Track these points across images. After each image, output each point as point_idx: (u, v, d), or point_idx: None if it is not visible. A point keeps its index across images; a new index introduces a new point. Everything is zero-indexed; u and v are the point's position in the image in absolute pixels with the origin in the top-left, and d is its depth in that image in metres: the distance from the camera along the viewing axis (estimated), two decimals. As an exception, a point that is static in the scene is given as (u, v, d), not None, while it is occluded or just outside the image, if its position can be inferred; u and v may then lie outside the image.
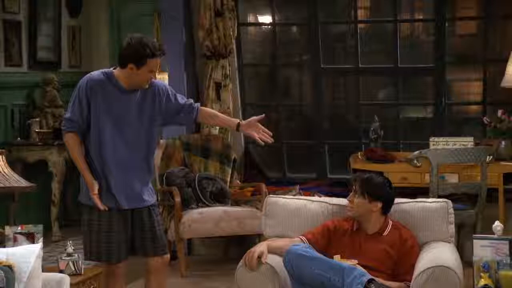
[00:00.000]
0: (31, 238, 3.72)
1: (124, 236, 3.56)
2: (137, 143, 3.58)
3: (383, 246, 3.48)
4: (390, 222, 3.57)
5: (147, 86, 3.56)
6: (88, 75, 3.58)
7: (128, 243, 3.59)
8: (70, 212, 6.71)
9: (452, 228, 3.62)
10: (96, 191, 3.50)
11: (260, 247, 3.45)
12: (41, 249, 3.22)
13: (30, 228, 3.75)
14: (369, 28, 6.56)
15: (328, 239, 3.56)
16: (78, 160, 3.57)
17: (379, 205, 3.52)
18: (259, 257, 3.40)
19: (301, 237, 3.57)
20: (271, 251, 3.46)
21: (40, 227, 3.77)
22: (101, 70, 3.60)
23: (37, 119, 6.14)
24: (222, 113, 5.99)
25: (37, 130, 6.06)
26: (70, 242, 3.91)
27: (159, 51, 3.51)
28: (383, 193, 3.54)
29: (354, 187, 3.58)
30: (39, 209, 6.12)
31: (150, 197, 3.64)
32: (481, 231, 4.54)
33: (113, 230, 3.53)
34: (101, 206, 3.50)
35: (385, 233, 3.53)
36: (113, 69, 3.59)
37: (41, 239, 3.72)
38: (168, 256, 3.71)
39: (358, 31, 6.30)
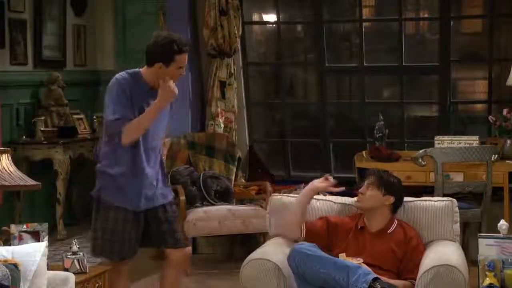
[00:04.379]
0: (36, 236, 3.72)
1: (136, 234, 3.56)
2: (158, 139, 3.58)
3: (388, 244, 3.48)
4: (396, 220, 3.58)
5: (176, 82, 3.51)
6: (115, 78, 3.50)
7: (139, 241, 3.58)
8: (75, 210, 6.73)
9: (457, 227, 3.62)
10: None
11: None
12: (46, 247, 3.23)
13: (35, 226, 3.76)
14: (374, 27, 6.55)
15: (328, 231, 3.56)
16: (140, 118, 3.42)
17: (392, 199, 3.54)
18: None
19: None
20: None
21: (45, 226, 3.78)
22: (125, 71, 3.55)
23: (42, 118, 6.16)
24: (226, 112, 6.08)
25: (42, 129, 6.07)
26: (75, 240, 3.91)
27: (186, 46, 3.48)
28: (397, 190, 3.59)
29: (368, 180, 3.58)
30: (44, 208, 6.14)
31: (166, 197, 3.64)
32: (486, 230, 4.53)
33: (127, 229, 3.53)
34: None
35: (390, 230, 3.53)
36: (139, 68, 3.56)
37: (46, 238, 3.72)
38: (189, 248, 3.74)
39: (363, 30, 6.29)
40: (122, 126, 3.42)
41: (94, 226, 3.60)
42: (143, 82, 3.50)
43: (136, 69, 3.55)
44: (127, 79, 3.49)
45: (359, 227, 3.57)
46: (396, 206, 3.58)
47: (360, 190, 3.60)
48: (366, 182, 3.58)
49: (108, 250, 3.55)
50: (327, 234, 3.57)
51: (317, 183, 3.64)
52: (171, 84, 3.44)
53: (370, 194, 3.55)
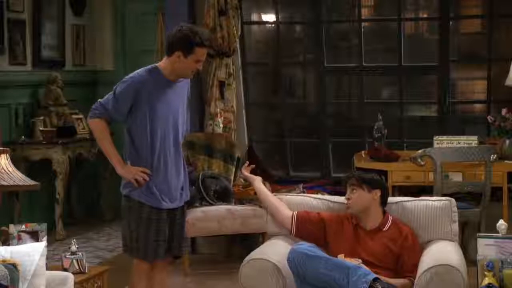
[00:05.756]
0: (35, 236, 3.72)
1: (164, 234, 3.57)
2: (178, 134, 3.61)
3: (384, 241, 3.50)
4: (390, 217, 3.59)
5: (191, 76, 3.58)
6: (131, 75, 3.54)
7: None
8: (74, 210, 6.73)
9: (456, 227, 3.62)
10: (147, 171, 3.51)
11: (256, 182, 3.80)
12: (45, 247, 3.22)
13: (34, 226, 3.76)
14: (373, 27, 6.55)
15: (322, 227, 3.59)
16: (110, 143, 3.55)
17: (379, 193, 3.57)
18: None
19: (294, 211, 3.65)
20: (258, 190, 3.77)
21: (44, 226, 3.77)
22: (143, 68, 3.58)
23: (41, 118, 6.15)
24: (226, 112, 6.08)
25: (41, 129, 6.07)
26: (74, 240, 3.91)
27: (207, 40, 3.52)
28: (380, 182, 3.63)
29: (348, 184, 3.61)
30: (43, 208, 6.13)
31: (186, 195, 3.67)
32: (485, 230, 4.53)
33: (161, 228, 3.54)
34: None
35: (385, 228, 3.55)
36: (157, 63, 3.59)
37: (45, 238, 3.72)
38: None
39: (362, 30, 6.29)
40: (96, 115, 3.55)
41: (128, 226, 3.57)
42: (161, 75, 3.53)
43: (154, 65, 3.59)
44: (144, 76, 3.52)
45: (354, 225, 3.58)
46: (384, 198, 3.61)
47: (346, 196, 3.62)
48: (348, 187, 3.60)
49: (144, 250, 3.54)
50: (319, 227, 3.59)
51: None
52: (132, 177, 3.50)
53: (356, 196, 3.57)
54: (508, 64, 5.48)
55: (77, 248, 3.86)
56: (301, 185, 5.86)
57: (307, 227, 3.61)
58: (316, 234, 3.59)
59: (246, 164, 3.91)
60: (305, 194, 4.00)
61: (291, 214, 3.66)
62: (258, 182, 3.83)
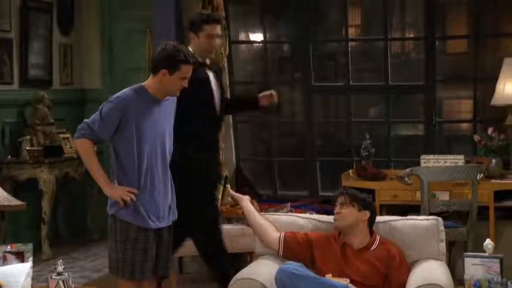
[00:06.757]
0: (20, 257, 3.68)
1: (151, 254, 3.57)
2: (166, 153, 3.61)
3: (371, 260, 3.50)
4: (378, 237, 3.59)
5: (178, 94, 3.59)
6: (117, 95, 3.55)
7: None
8: (60, 230, 6.68)
9: (443, 246, 3.63)
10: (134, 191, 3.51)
11: (243, 202, 3.80)
12: (30, 268, 3.20)
13: (19, 247, 3.72)
14: (360, 46, 6.59)
15: (309, 247, 3.59)
16: (97, 163, 3.55)
17: (368, 214, 3.57)
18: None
19: (281, 233, 3.64)
20: (247, 210, 3.78)
21: (30, 246, 3.74)
22: (129, 88, 3.60)
23: (28, 137, 6.12)
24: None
25: (28, 148, 6.04)
26: (60, 261, 3.87)
27: (192, 57, 3.55)
28: (371, 204, 3.65)
29: (340, 199, 3.61)
30: (29, 227, 6.08)
31: (174, 215, 3.67)
32: (472, 249, 4.54)
33: (148, 247, 3.53)
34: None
35: (373, 247, 3.55)
36: (143, 82, 3.61)
37: (30, 258, 3.68)
38: None
39: (349, 49, 6.32)
40: (83, 135, 3.55)
41: (115, 246, 3.56)
42: (147, 94, 3.54)
43: (140, 84, 3.61)
44: (130, 96, 3.53)
45: (342, 244, 3.58)
46: (372, 220, 3.61)
47: (335, 211, 3.62)
48: (338, 203, 3.61)
49: (130, 270, 3.53)
50: (306, 248, 3.58)
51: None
52: (119, 196, 3.50)
53: (346, 212, 3.57)
54: (493, 84, 5.52)
55: (63, 268, 3.81)
56: (288, 204, 5.85)
57: (294, 248, 3.61)
58: (304, 255, 3.58)
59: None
60: (292, 214, 4.00)
61: (278, 236, 3.66)
62: (245, 201, 3.82)
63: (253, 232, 3.80)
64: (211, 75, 4.18)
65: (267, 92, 4.40)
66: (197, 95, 3.94)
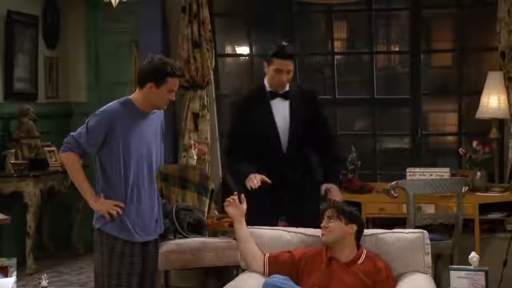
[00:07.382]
0: (4, 271, 3.64)
1: (138, 268, 3.56)
2: (152, 166, 3.62)
3: (358, 274, 3.49)
4: (365, 251, 3.59)
5: (165, 107, 3.58)
6: (103, 108, 3.54)
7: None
8: (45, 244, 6.63)
9: (428, 259, 3.63)
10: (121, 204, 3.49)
11: (237, 223, 3.64)
12: (15, 283, 3.17)
13: (3, 261, 3.69)
14: (346, 60, 6.62)
15: (295, 265, 3.56)
16: (83, 176, 3.55)
17: (355, 227, 3.56)
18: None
19: (265, 254, 3.62)
20: (238, 232, 3.62)
21: (14, 260, 3.71)
22: (115, 101, 3.59)
23: (13, 151, 6.09)
24: (200, 143, 6.07)
25: (12, 162, 6.01)
26: (45, 275, 3.84)
27: (179, 70, 3.54)
28: (358, 217, 3.63)
29: (327, 213, 3.60)
30: (14, 241, 6.04)
31: (160, 228, 3.67)
32: (458, 261, 4.55)
33: (134, 261, 3.52)
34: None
35: (360, 261, 3.54)
36: (130, 96, 3.60)
37: (14, 273, 3.65)
38: None
39: (335, 62, 6.35)
40: (69, 148, 3.54)
41: (101, 260, 3.55)
42: (134, 108, 3.54)
43: (127, 97, 3.60)
44: (116, 109, 3.52)
45: (329, 258, 3.57)
46: (359, 234, 3.60)
47: (322, 225, 3.60)
48: (326, 216, 3.59)
49: (116, 285, 3.52)
50: (292, 266, 3.57)
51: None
52: (105, 210, 3.50)
53: (333, 225, 3.56)
54: (478, 97, 5.56)
55: (48, 283, 3.79)
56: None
57: (279, 270, 3.56)
58: (290, 273, 3.55)
59: (228, 202, 3.76)
60: (278, 228, 3.98)
61: (263, 260, 3.62)
62: (239, 223, 3.74)
63: (239, 254, 3.75)
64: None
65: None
66: None
